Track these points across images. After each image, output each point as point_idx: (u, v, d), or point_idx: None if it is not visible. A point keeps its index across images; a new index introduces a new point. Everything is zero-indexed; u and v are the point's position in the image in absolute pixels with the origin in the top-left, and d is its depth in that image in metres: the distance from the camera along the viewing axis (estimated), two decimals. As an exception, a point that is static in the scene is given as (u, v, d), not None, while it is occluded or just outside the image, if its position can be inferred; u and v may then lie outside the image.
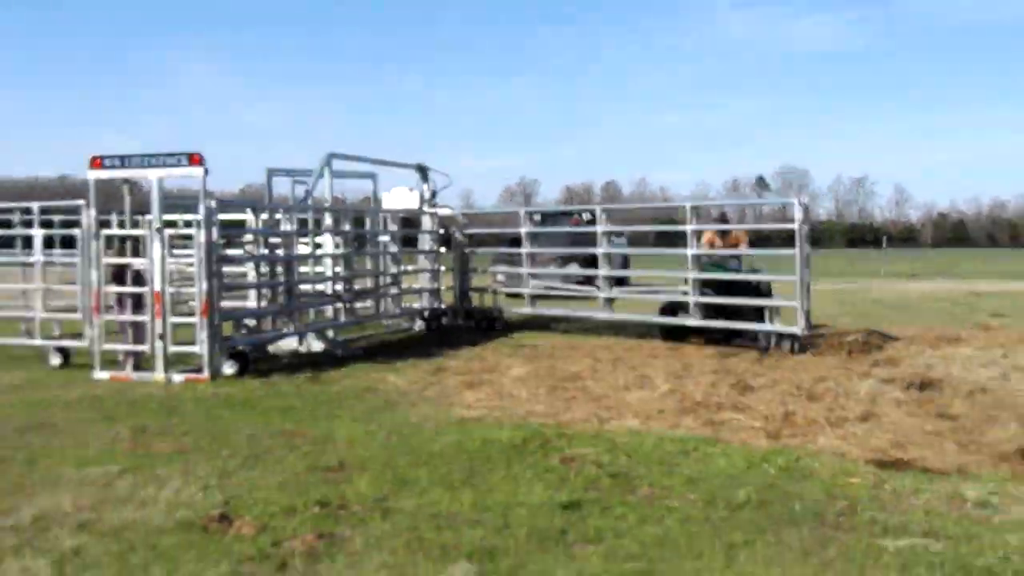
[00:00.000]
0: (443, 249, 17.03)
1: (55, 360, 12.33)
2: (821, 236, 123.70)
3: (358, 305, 13.78)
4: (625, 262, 18.57)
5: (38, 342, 12.95)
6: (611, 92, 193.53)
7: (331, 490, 6.13)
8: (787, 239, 12.92)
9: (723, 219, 15.20)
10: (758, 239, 18.69)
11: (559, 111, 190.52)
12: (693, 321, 13.36)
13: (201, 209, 10.82)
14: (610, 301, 15.00)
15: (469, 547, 5.03)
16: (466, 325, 16.76)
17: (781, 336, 12.54)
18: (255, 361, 12.27)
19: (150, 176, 11.04)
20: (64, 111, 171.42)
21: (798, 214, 12.49)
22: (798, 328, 12.12)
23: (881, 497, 6.09)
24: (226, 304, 12.39)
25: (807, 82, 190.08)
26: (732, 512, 5.74)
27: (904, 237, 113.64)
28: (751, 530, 5.41)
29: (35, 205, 13.03)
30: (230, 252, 13.10)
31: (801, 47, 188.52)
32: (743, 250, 14.19)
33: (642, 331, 15.36)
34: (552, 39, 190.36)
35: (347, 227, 13.24)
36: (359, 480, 6.39)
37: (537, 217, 27.40)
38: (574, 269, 20.94)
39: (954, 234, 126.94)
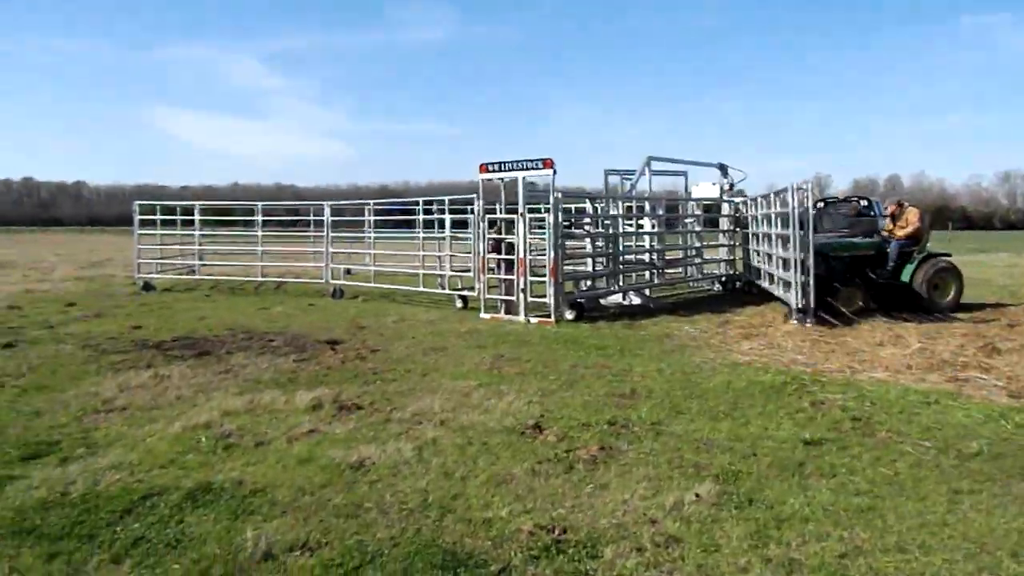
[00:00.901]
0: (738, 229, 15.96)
1: (458, 304, 13.05)
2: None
3: (669, 271, 13.25)
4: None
5: (447, 291, 13.79)
6: (895, 105, 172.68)
7: (620, 412, 5.83)
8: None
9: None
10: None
11: (849, 119, 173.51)
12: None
13: (551, 199, 10.86)
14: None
15: (718, 469, 4.53)
16: (750, 290, 15.61)
17: None
18: (590, 310, 12.22)
19: (517, 176, 11.25)
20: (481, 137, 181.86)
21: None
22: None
23: (1121, 461, 4.73)
24: (569, 268, 12.42)
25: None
26: (963, 461, 4.72)
27: None
28: (979, 479, 4.41)
29: (446, 198, 13.80)
30: (575, 231, 13.12)
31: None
32: None
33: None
34: (835, 62, 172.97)
35: (660, 212, 12.75)
36: (643, 406, 6.02)
37: (820, 204, 25.27)
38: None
39: None
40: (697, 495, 4.06)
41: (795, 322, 10.12)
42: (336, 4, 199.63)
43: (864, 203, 24.07)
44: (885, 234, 12.29)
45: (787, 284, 10.50)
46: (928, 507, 3.98)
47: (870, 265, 11.92)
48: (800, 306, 10.17)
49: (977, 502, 4.05)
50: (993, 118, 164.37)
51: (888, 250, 11.95)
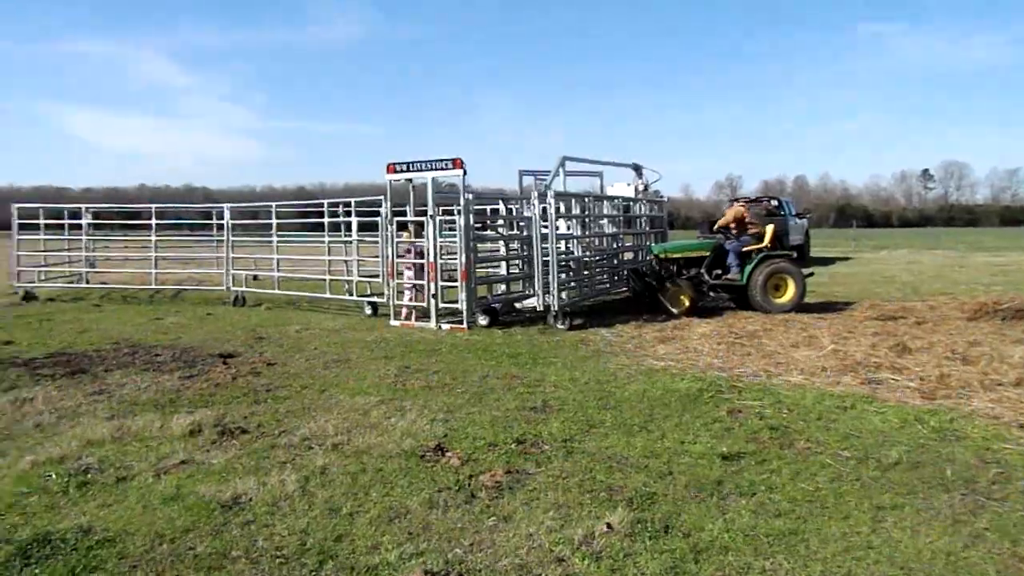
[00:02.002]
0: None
1: (367, 311, 12.47)
2: (978, 216, 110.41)
3: (584, 272, 12.94)
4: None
5: (355, 298, 13.16)
6: (799, 106, 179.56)
7: (530, 428, 5.44)
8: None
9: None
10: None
11: (758, 121, 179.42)
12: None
13: (461, 200, 10.42)
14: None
15: (632, 491, 4.18)
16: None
17: None
18: (504, 314, 11.85)
19: (426, 177, 10.76)
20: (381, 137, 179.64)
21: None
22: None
23: (1036, 465, 4.62)
24: (483, 271, 12.02)
25: (967, 91, 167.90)
26: (883, 472, 4.52)
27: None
28: (901, 492, 4.20)
29: (352, 200, 13.19)
30: (488, 232, 12.72)
31: (963, 65, 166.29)
32: None
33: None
34: (746, 67, 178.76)
35: (576, 212, 12.44)
36: (554, 420, 5.65)
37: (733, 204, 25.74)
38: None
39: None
40: (609, 525, 3.69)
41: (560, 326, 10.52)
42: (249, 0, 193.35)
43: (775, 203, 24.77)
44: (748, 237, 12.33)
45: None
46: (852, 527, 3.72)
47: (709, 265, 12.08)
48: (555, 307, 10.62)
49: (901, 519, 3.83)
50: (891, 121, 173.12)
51: (729, 250, 12.05)
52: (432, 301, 10.71)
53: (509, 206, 12.80)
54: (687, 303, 11.45)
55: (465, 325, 10.45)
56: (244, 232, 16.44)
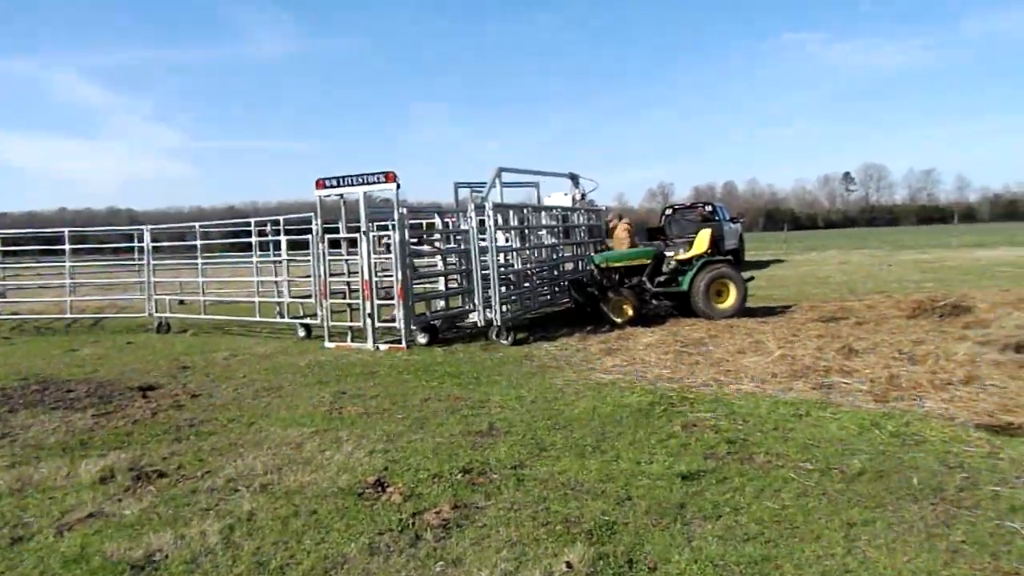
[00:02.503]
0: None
1: (300, 333, 11.93)
2: (897, 216, 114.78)
3: (526, 284, 12.67)
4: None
5: (287, 320, 12.59)
6: (728, 116, 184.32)
7: (477, 455, 5.08)
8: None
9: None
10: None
11: (688, 130, 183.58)
12: None
13: (395, 215, 10.01)
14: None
15: (591, 522, 3.86)
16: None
17: None
18: (445, 331, 11.46)
19: (357, 192, 10.32)
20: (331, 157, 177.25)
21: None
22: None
23: (1000, 468, 4.51)
24: (419, 288, 11.62)
25: (883, 96, 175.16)
26: (848, 484, 4.31)
27: (965, 215, 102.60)
28: (869, 505, 4.00)
29: (281, 218, 12.62)
30: (425, 247, 12.31)
31: (879, 71, 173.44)
32: None
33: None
34: (684, 77, 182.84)
35: (513, 224, 12.16)
36: (502, 445, 5.30)
37: (669, 210, 25.93)
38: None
39: (1007, 211, 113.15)
40: (568, 564, 3.37)
41: (503, 341, 10.29)
42: (171, 17, 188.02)
43: (709, 208, 25.03)
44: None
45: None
46: (826, 549, 3.48)
47: (650, 273, 11.95)
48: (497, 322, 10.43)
49: (874, 536, 3.61)
50: (814, 126, 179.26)
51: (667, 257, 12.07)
52: (368, 320, 10.25)
53: (446, 219, 12.44)
54: (630, 312, 11.28)
55: (404, 344, 10.03)
56: (168, 255, 15.67)
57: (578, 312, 12.54)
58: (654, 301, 12.12)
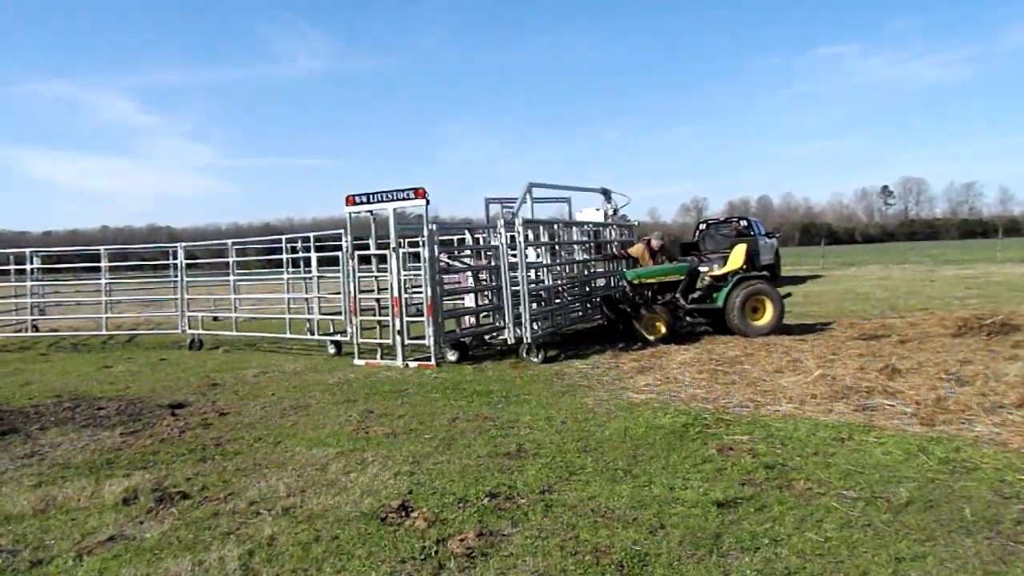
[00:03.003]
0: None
1: (331, 350, 11.90)
2: (938, 230, 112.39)
3: (556, 301, 12.51)
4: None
5: (317, 337, 12.58)
6: (763, 129, 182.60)
7: (504, 479, 4.93)
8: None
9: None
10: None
11: (722, 144, 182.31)
12: None
13: (425, 231, 9.94)
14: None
15: (621, 552, 3.68)
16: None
17: None
18: (475, 348, 11.35)
19: (387, 208, 10.29)
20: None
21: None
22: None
23: (1059, 498, 4.22)
24: (449, 304, 11.54)
25: (921, 108, 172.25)
26: (895, 515, 4.07)
27: (1009, 228, 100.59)
28: (919, 538, 3.76)
29: (312, 235, 12.66)
30: (454, 264, 12.23)
31: (917, 84, 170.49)
32: None
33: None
34: (718, 91, 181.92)
35: (544, 240, 12.02)
36: (530, 468, 5.14)
37: (703, 225, 25.62)
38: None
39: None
40: (598, 598, 3.20)
41: (534, 359, 10.14)
42: (207, 37, 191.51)
43: (744, 223, 24.65)
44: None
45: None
46: (873, 587, 3.27)
47: (684, 289, 11.69)
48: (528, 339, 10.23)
49: (925, 572, 3.39)
50: (851, 139, 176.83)
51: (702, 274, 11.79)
52: (398, 337, 10.18)
53: (476, 235, 12.36)
54: (663, 330, 11.06)
55: (433, 362, 9.93)
56: (203, 272, 15.82)
57: (610, 329, 12.33)
58: (688, 318, 11.87)
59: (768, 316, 11.19)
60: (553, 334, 11.95)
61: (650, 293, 11.69)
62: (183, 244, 14.23)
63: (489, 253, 11.87)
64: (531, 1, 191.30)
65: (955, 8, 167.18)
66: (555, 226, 12.61)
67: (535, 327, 10.43)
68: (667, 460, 5.21)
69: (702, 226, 25.59)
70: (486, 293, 11.87)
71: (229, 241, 14.13)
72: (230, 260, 13.87)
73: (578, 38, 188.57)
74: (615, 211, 15.22)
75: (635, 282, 11.74)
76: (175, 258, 14.13)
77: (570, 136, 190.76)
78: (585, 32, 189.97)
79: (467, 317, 11.98)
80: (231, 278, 13.87)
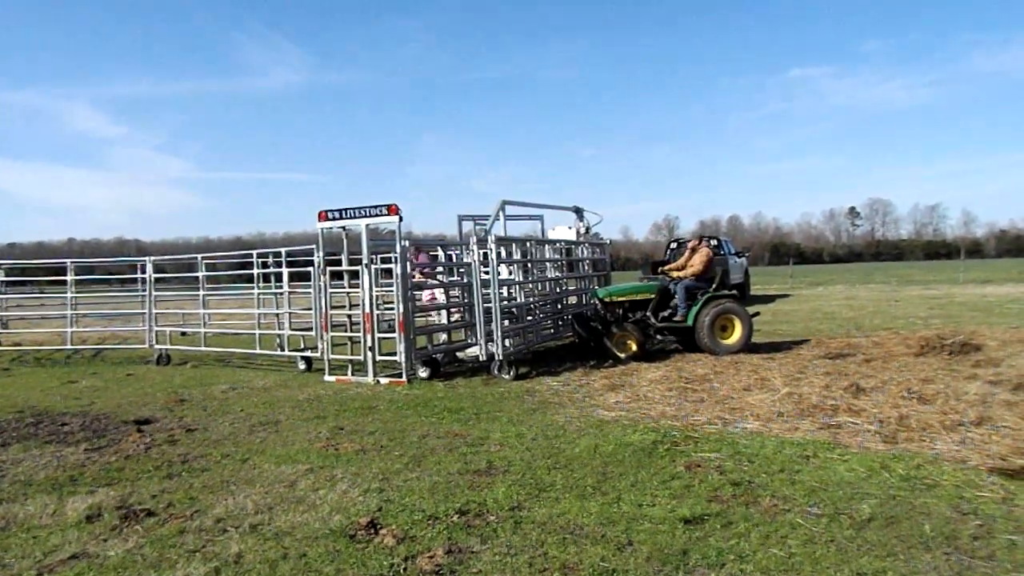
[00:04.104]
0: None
1: (301, 366, 11.82)
2: (903, 251, 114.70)
3: (528, 318, 12.57)
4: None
5: (287, 353, 12.49)
6: (734, 150, 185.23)
7: (474, 496, 4.93)
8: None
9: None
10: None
11: (694, 164, 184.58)
12: None
13: (397, 248, 9.95)
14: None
15: (589, 569, 3.71)
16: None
17: None
18: (446, 365, 11.34)
19: (360, 224, 10.28)
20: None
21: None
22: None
23: (1015, 515, 4.35)
24: (421, 320, 11.53)
25: (889, 131, 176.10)
26: (857, 531, 4.15)
27: (971, 250, 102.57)
28: (880, 554, 3.83)
29: (283, 250, 12.60)
30: (427, 280, 12.22)
31: (885, 107, 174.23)
32: None
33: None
34: (691, 111, 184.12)
35: (516, 257, 12.09)
36: (500, 485, 5.15)
37: (674, 244, 25.89)
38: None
39: (1014, 246, 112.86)
40: (565, 615, 3.22)
41: (505, 376, 10.17)
42: (181, 49, 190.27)
43: (715, 242, 24.94)
44: (678, 275, 12.08)
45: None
46: (835, 602, 3.33)
47: (655, 308, 11.79)
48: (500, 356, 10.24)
49: (885, 588, 3.45)
50: (820, 160, 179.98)
51: (675, 292, 11.80)
52: (369, 353, 10.14)
53: (449, 252, 12.38)
54: (634, 347, 11.15)
55: (404, 378, 9.91)
56: (172, 286, 15.64)
57: (582, 347, 12.40)
58: (659, 336, 11.98)
59: (737, 335, 11.32)
60: (525, 351, 11.98)
61: (621, 311, 11.78)
62: (151, 258, 14.07)
63: (462, 270, 11.90)
64: (506, 19, 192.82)
65: (923, 33, 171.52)
66: (528, 243, 12.67)
67: (507, 344, 10.45)
68: (636, 477, 5.25)
69: (673, 245, 25.86)
70: (459, 310, 11.90)
71: (199, 255, 13.99)
72: (200, 275, 13.74)
73: (552, 56, 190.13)
74: (587, 229, 15.34)
75: (606, 300, 11.84)
76: (143, 272, 13.97)
77: (543, 154, 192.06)
78: (560, 51, 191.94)
79: (439, 334, 11.96)
80: (200, 292, 13.74)
